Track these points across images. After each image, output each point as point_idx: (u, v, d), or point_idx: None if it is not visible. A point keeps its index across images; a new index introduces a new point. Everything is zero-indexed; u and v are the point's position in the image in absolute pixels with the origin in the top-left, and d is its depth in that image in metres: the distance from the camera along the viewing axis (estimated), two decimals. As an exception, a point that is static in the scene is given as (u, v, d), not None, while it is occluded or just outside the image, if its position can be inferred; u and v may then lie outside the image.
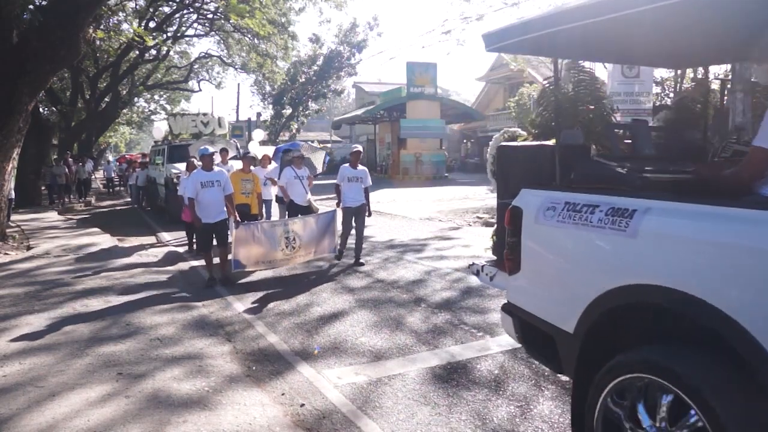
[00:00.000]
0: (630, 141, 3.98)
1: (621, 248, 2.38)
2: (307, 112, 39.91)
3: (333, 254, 8.23)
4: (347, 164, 8.29)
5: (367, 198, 8.25)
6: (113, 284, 7.11)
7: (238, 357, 4.66)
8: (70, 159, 20.57)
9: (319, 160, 10.55)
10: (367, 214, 8.31)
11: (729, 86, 11.41)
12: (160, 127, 16.86)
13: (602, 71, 22.05)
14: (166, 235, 11.63)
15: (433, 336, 5.10)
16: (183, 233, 10.43)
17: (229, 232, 7.52)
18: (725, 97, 13.46)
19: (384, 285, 7.05)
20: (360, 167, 8.24)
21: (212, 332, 5.27)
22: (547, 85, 4.79)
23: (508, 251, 3.16)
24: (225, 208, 7.28)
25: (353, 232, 8.30)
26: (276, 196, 9.92)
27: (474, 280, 7.25)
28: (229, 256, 7.23)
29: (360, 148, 8.66)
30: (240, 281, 7.34)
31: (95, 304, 6.17)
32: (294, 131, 39.77)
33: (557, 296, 2.82)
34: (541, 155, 3.69)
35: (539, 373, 4.22)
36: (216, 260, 7.34)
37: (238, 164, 13.26)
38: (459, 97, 54.74)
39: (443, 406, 3.71)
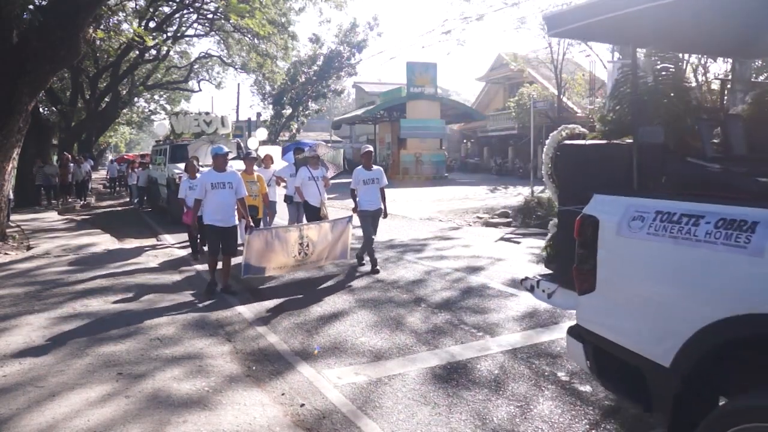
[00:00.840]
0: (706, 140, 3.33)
1: (740, 269, 1.97)
2: (307, 112, 39.97)
3: (344, 260, 7.90)
4: (361, 166, 7.92)
5: (383, 198, 7.92)
6: (113, 284, 7.11)
7: (238, 357, 4.66)
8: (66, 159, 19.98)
9: (338, 160, 10.00)
10: (382, 216, 7.97)
11: (729, 86, 11.44)
12: (164, 124, 16.21)
13: (602, 71, 21.95)
14: (169, 238, 11.44)
15: (433, 336, 5.10)
16: (185, 235, 10.25)
17: (239, 239, 7.27)
18: (725, 97, 13.46)
19: (384, 285, 7.05)
20: (374, 167, 7.91)
21: (212, 332, 5.27)
22: (622, 75, 4.14)
23: (578, 267, 2.76)
24: (236, 213, 6.87)
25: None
26: (285, 195, 9.59)
27: (474, 280, 7.26)
28: (240, 260, 6.87)
29: (371, 148, 8.30)
30: (241, 285, 7.29)
31: (95, 304, 6.17)
32: (294, 131, 39.80)
33: (648, 323, 2.38)
34: (615, 155, 3.24)
35: (539, 373, 4.22)
36: (219, 265, 6.95)
37: (237, 164, 12.99)
38: (459, 97, 54.76)
39: (443, 406, 3.71)
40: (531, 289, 3.76)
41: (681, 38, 3.54)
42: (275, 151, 12.30)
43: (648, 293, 2.42)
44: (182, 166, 12.39)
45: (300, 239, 7.18)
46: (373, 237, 7.82)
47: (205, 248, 9.00)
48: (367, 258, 8.13)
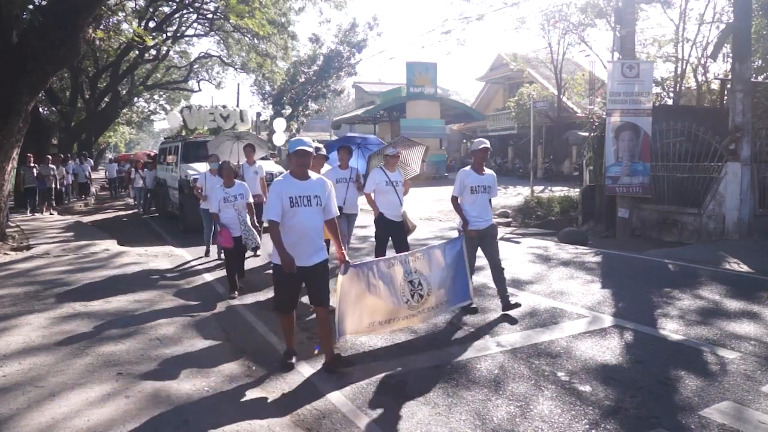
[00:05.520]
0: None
1: None
2: (307, 112, 39.88)
3: (467, 301, 5.71)
4: (468, 167, 5.96)
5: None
6: (113, 284, 7.10)
7: (238, 356, 4.65)
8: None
9: (416, 159, 7.66)
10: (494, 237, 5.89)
11: (729, 86, 11.46)
12: (176, 114, 14.45)
13: (602, 71, 22.00)
14: (185, 253, 9.66)
15: (433, 336, 5.10)
16: (201, 247, 9.31)
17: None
18: (725, 97, 13.49)
19: (384, 285, 7.03)
20: (486, 171, 5.89)
21: (212, 332, 5.27)
22: None
23: None
24: (324, 242, 4.48)
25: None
26: None
27: (474, 280, 7.22)
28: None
29: (487, 143, 5.93)
30: (244, 281, 7.21)
31: (95, 304, 6.16)
32: (294, 131, 39.74)
33: None
34: None
35: (539, 373, 4.22)
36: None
37: (268, 166, 11.39)
38: (458, 97, 54.79)
39: (443, 406, 3.71)
40: None
41: None
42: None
43: None
44: (196, 166, 11.06)
45: (408, 275, 5.00)
46: (503, 267, 5.86)
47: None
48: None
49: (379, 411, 3.66)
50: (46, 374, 4.19)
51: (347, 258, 4.48)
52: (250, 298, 6.55)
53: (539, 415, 3.56)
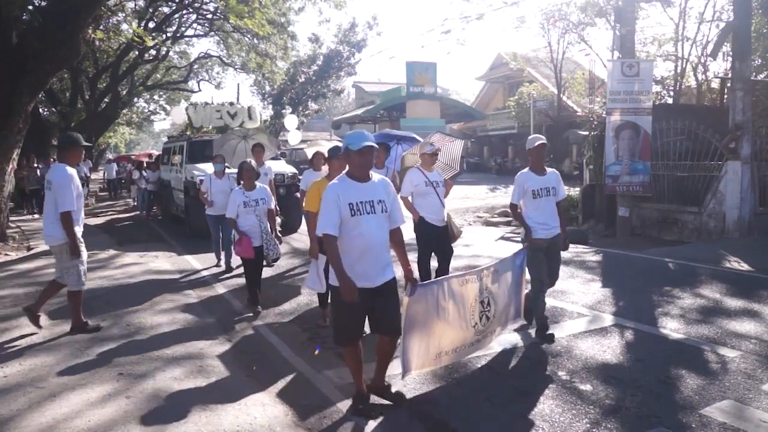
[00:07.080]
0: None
1: None
2: (306, 112, 39.89)
3: (520, 318, 5.11)
4: (527, 168, 5.07)
5: (561, 219, 5.06)
6: (114, 285, 7.11)
7: (239, 357, 4.66)
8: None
9: (456, 156, 6.84)
10: (563, 246, 5.12)
11: (729, 85, 11.45)
12: (181, 109, 14.03)
13: (602, 70, 22.01)
14: (188, 257, 9.17)
15: (434, 335, 5.09)
16: (207, 254, 8.80)
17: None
18: (725, 96, 13.46)
19: (384, 284, 7.03)
20: (549, 170, 5.07)
21: (212, 332, 5.27)
22: None
23: None
24: (390, 256, 3.71)
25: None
26: None
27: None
28: (397, 354, 3.86)
29: (544, 139, 5.03)
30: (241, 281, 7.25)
31: (95, 304, 6.15)
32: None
33: None
34: None
35: (539, 373, 4.22)
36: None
37: (278, 166, 11.06)
38: (458, 96, 54.81)
39: (443, 406, 3.71)
40: None
41: None
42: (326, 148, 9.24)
43: None
44: (203, 166, 10.38)
45: (480, 295, 4.34)
46: (547, 284, 5.04)
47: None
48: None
49: (379, 411, 3.66)
50: (46, 375, 4.19)
51: (415, 276, 3.78)
52: (270, 315, 5.94)
53: (540, 414, 3.56)
